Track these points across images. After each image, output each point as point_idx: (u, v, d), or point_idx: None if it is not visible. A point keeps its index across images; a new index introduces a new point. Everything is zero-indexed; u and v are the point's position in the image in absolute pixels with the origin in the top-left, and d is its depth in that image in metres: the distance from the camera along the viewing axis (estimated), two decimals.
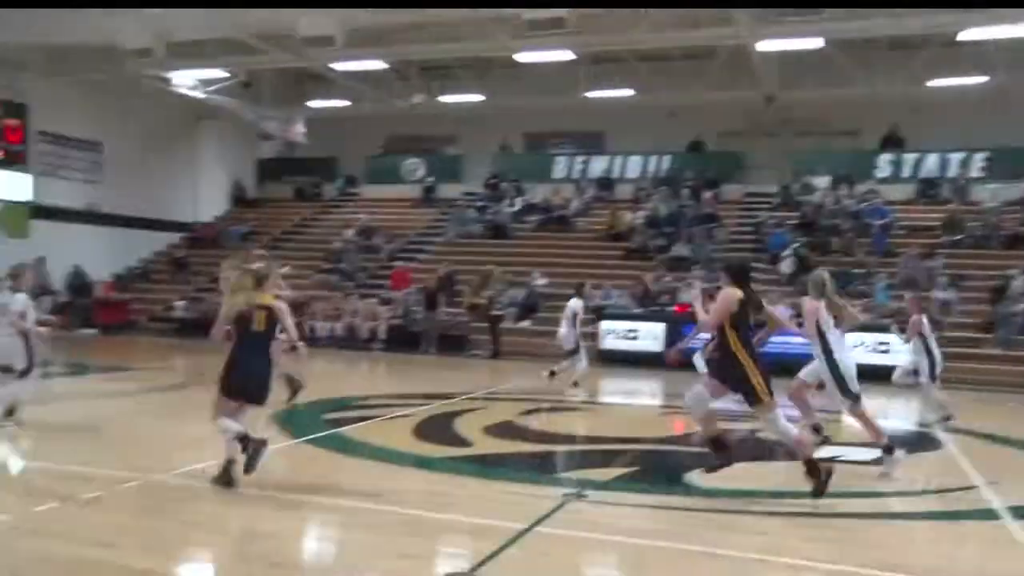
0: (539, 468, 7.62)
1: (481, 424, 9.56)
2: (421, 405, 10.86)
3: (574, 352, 12.99)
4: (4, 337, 8.53)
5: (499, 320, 18.64)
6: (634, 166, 25.12)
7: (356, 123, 26.75)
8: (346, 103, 25.06)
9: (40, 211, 21.95)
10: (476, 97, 24.15)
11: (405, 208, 25.93)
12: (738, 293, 6.41)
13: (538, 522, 5.78)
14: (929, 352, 10.50)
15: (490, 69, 24.00)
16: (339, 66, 21.49)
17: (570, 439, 9.47)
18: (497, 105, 24.37)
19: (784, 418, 6.53)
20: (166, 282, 23.83)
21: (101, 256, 23.17)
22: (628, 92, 22.65)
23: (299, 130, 24.91)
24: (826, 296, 7.50)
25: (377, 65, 21.62)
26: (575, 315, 12.93)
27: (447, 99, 24.52)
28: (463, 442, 8.61)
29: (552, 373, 12.98)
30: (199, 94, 22.54)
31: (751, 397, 6.36)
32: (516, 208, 24.22)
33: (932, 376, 10.56)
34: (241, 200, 28.28)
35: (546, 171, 25.68)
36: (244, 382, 6.49)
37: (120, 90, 22.72)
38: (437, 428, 9.37)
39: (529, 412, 10.76)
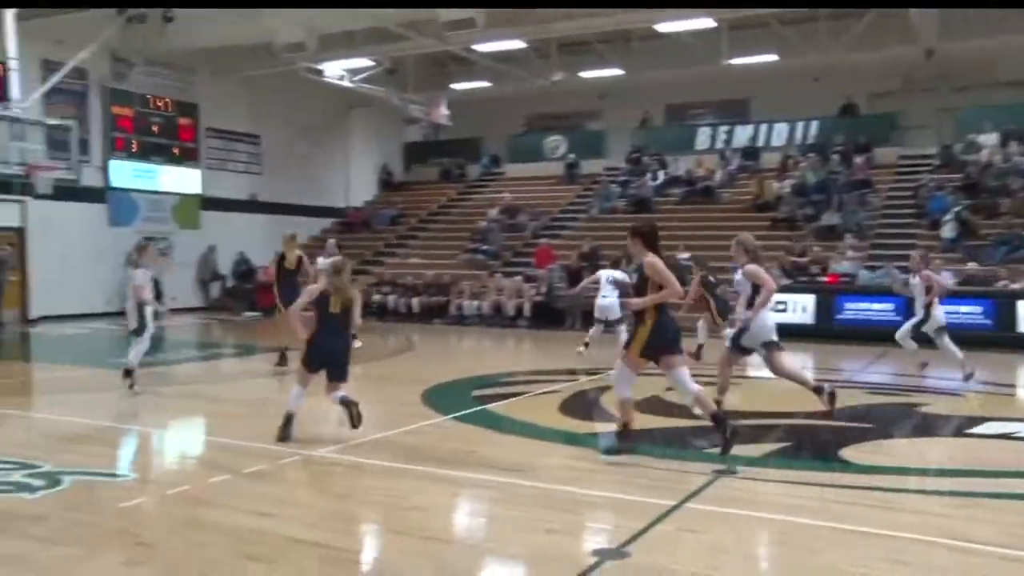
0: (687, 444, 7.46)
1: None
2: (567, 381, 10.85)
3: (620, 321, 12.73)
4: (129, 302, 10.11)
5: None
6: (780, 133, 24.10)
7: (498, 103, 26.96)
8: (487, 84, 25.28)
9: (209, 202, 23.42)
10: (616, 71, 23.79)
11: (548, 185, 25.95)
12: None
13: (688, 498, 5.65)
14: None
15: (629, 42, 23.57)
16: (480, 47, 21.67)
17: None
18: (637, 78, 23.93)
19: (627, 384, 6.71)
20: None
21: (263, 243, 24.40)
22: (772, 57, 21.69)
23: (443, 113, 25.30)
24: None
25: (517, 45, 21.68)
26: (617, 283, 12.83)
27: (587, 75, 24.27)
28: (609, 417, 8.54)
29: (586, 345, 12.89)
30: (348, 84, 23.31)
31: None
32: (659, 181, 23.76)
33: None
34: (389, 184, 29.14)
35: (689, 142, 25.04)
36: (321, 357, 7.34)
37: (276, 85, 23.82)
38: (583, 404, 9.34)
39: None
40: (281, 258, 12.09)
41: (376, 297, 20.73)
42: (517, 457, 6.86)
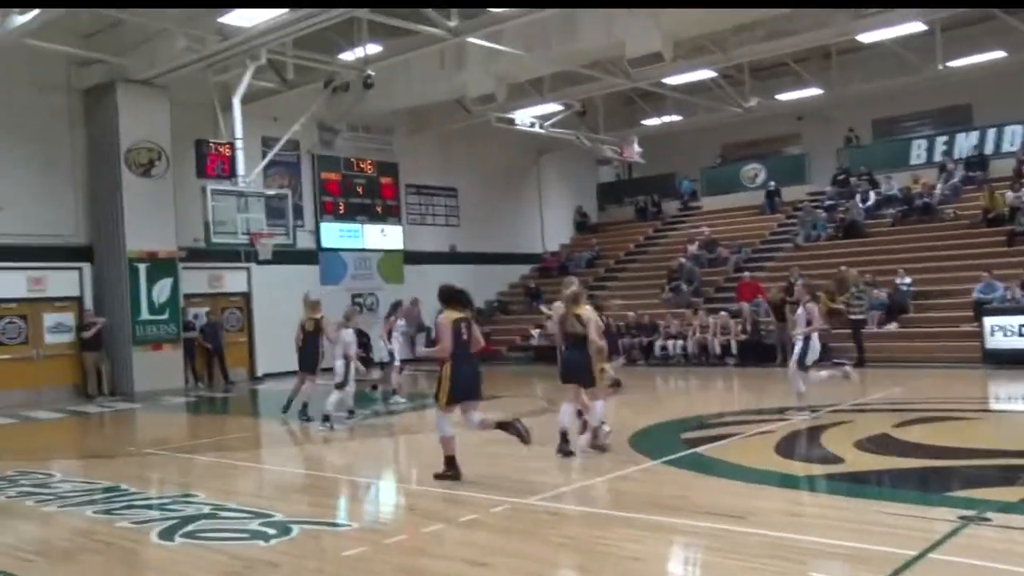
0: (926, 486, 6.87)
1: (852, 438, 8.88)
2: (781, 420, 10.38)
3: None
4: (337, 360, 12.09)
5: (861, 325, 17.31)
6: (1012, 137, 22.10)
7: (690, 136, 26.70)
8: (678, 117, 25.10)
9: (411, 256, 24.65)
10: (815, 91, 22.90)
11: (747, 216, 25.25)
12: (454, 315, 7.80)
13: (931, 548, 5.18)
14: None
15: (828, 58, 22.64)
16: (669, 80, 21.59)
17: (960, 453, 8.42)
18: (839, 95, 22.91)
19: (445, 423, 7.96)
20: (521, 312, 25.37)
21: None
22: (998, 54, 20.02)
23: (635, 151, 25.33)
24: None
25: (707, 74, 21.42)
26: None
27: (784, 97, 23.55)
28: (833, 458, 8.05)
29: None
30: (538, 129, 23.91)
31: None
32: (870, 203, 22.45)
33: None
34: (585, 226, 29.43)
35: (901, 158, 23.55)
36: (565, 370, 8.73)
37: (469, 137, 24.82)
38: (802, 444, 8.88)
39: (907, 423, 9.80)
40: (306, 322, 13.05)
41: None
42: (734, 502, 6.60)
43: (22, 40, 15.72)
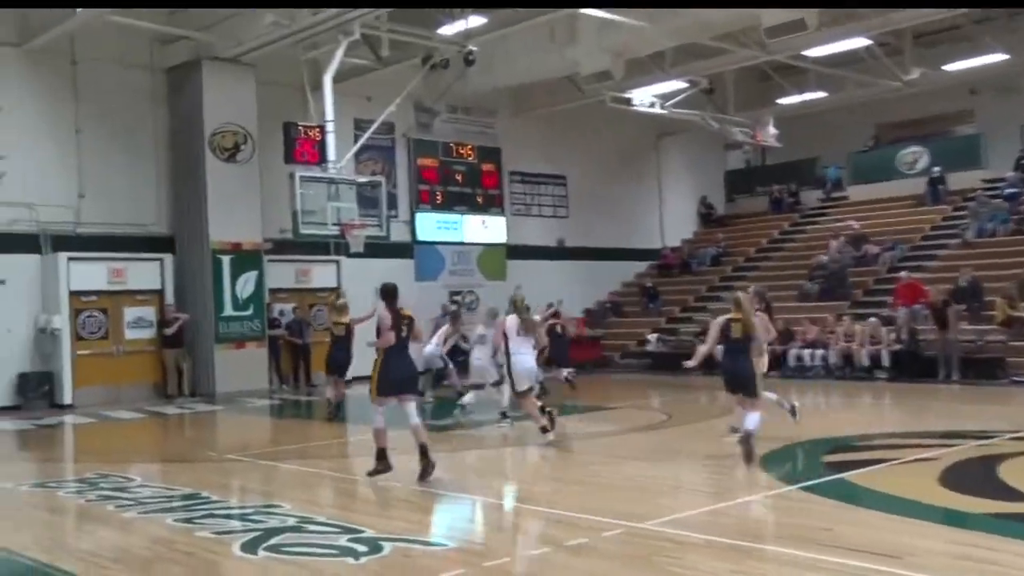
0: None
1: None
2: (945, 446, 9.93)
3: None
4: (482, 361, 12.91)
5: None
6: None
7: (836, 116, 25.90)
8: (822, 94, 24.40)
9: (514, 251, 24.78)
10: (996, 57, 21.72)
11: (904, 208, 24.36)
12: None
13: None
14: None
15: (1013, 18, 21.45)
16: (812, 52, 20.99)
17: None
18: None
19: (379, 416, 8.84)
20: (637, 315, 25.18)
21: (571, 292, 25.30)
22: None
23: (771, 133, 24.67)
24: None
25: (859, 43, 20.65)
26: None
27: (953, 67, 22.47)
28: (1010, 493, 7.65)
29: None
30: (659, 110, 23.60)
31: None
32: None
33: None
34: (710, 218, 29.05)
35: None
36: (726, 376, 9.54)
37: (580, 119, 24.76)
38: (971, 475, 8.49)
39: None
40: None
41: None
42: (889, 539, 6.34)
43: (106, 17, 16.55)
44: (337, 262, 21.03)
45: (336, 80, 17.53)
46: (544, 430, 11.03)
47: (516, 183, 25.33)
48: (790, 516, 7.16)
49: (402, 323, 8.87)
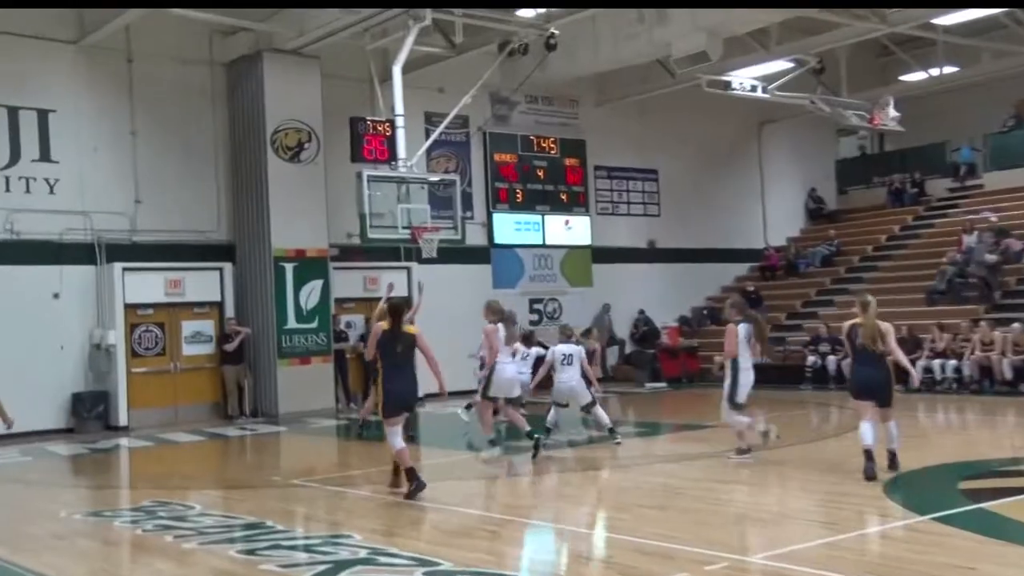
0: None
1: None
2: None
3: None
4: (571, 382, 12.90)
5: None
6: None
7: (970, 93, 25.09)
8: (953, 69, 23.67)
9: (600, 253, 24.67)
10: None
11: None
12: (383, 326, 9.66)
13: None
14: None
15: None
16: (941, 20, 20.37)
17: None
18: None
19: (394, 436, 9.60)
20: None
21: (663, 298, 25.08)
22: None
23: (890, 115, 23.94)
24: None
25: (996, 9, 19.91)
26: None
27: None
28: None
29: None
30: (762, 94, 23.19)
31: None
32: None
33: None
34: (819, 214, 28.58)
35: None
36: (860, 386, 9.77)
37: (672, 107, 24.56)
38: None
39: None
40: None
41: (811, 360, 20.14)
42: None
43: (165, 9, 16.96)
44: (407, 268, 21.15)
45: (406, 70, 17.68)
46: (493, 443, 12.18)
47: (602, 179, 25.23)
48: (923, 552, 6.91)
49: (398, 341, 9.54)
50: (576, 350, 13.08)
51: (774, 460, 11.43)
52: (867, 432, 9.46)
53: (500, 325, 12.30)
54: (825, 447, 12.43)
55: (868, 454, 9.37)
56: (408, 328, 9.82)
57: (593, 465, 11.99)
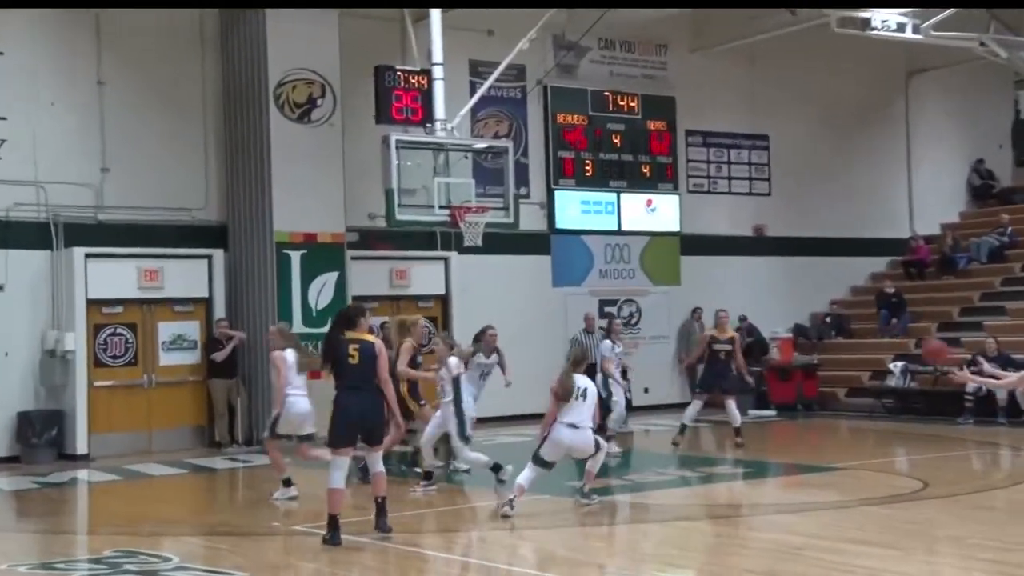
0: None
1: None
2: None
3: None
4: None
5: None
6: None
7: None
8: None
9: (691, 243, 24.53)
10: None
11: None
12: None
13: None
14: None
15: None
16: None
17: None
18: None
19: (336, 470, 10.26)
20: (872, 334, 24.50)
21: (774, 301, 24.76)
22: None
23: None
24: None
25: None
26: None
27: None
28: None
29: None
30: (911, 35, 22.72)
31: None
32: None
33: None
34: (988, 193, 28.37)
35: None
36: None
37: (789, 55, 24.43)
38: None
39: None
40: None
41: (972, 386, 19.74)
42: None
43: None
44: (446, 259, 21.16)
45: (446, 8, 17.64)
46: (287, 483, 13.20)
47: (696, 147, 25.10)
48: None
49: (350, 352, 10.15)
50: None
51: (924, 514, 11.34)
52: None
53: (289, 351, 13.16)
54: (990, 500, 12.18)
55: None
56: (365, 336, 10.40)
57: (684, 514, 11.96)
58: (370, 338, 10.48)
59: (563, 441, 11.42)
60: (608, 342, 16.99)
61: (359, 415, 10.18)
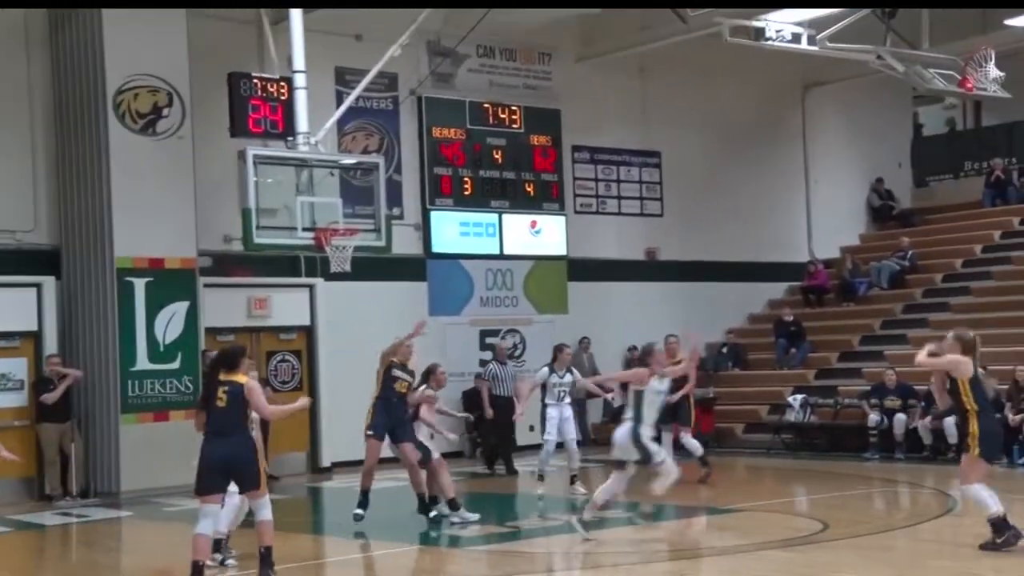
0: None
1: None
2: None
3: None
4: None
5: None
6: None
7: None
8: None
9: (579, 268, 24.46)
10: None
11: None
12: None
13: None
14: None
15: None
16: None
17: None
18: None
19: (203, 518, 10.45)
20: (769, 365, 24.76)
21: (666, 330, 24.61)
22: None
23: (990, 76, 23.80)
24: None
25: None
26: None
27: None
28: None
29: None
30: (807, 46, 22.98)
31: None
32: None
33: None
34: (887, 215, 28.80)
35: None
36: None
37: (681, 65, 24.55)
38: None
39: None
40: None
41: (873, 418, 19.97)
42: None
43: None
44: (310, 287, 20.93)
45: (309, 10, 17.36)
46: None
47: (584, 163, 25.16)
48: None
49: (218, 394, 10.40)
50: None
51: (825, 558, 11.44)
52: (989, 496, 10.65)
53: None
54: (892, 540, 12.47)
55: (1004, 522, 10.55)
56: (236, 376, 10.51)
57: (570, 563, 12.10)
58: (241, 379, 10.52)
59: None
60: (545, 370, 17.01)
61: (222, 459, 10.36)
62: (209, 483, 10.39)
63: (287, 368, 21.06)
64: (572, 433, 16.83)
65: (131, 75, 18.66)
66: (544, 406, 16.92)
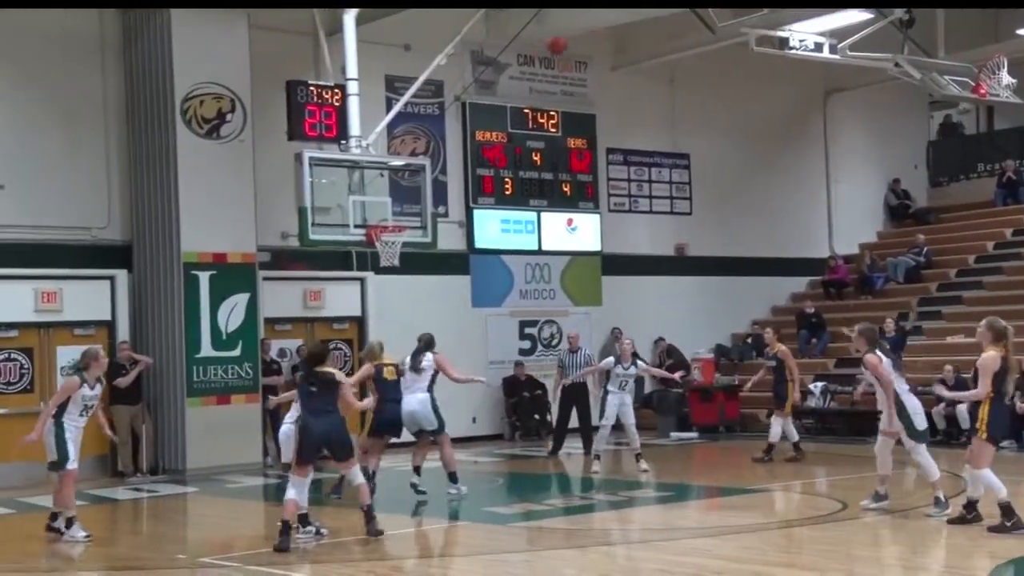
0: None
1: None
2: None
3: None
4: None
5: None
6: None
7: None
8: None
9: (612, 263, 24.57)
10: None
11: None
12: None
13: None
14: None
15: None
16: None
17: None
18: None
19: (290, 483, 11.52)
20: (793, 355, 24.67)
21: (695, 322, 24.93)
22: None
23: (1002, 83, 23.69)
24: None
25: None
26: None
27: None
28: None
29: None
30: (829, 55, 22.99)
31: None
32: None
33: None
34: (904, 213, 28.67)
35: None
36: None
37: (709, 73, 24.65)
38: None
39: None
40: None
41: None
42: None
43: None
44: (361, 280, 21.07)
45: (361, 21, 17.57)
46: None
47: (617, 165, 25.18)
48: None
49: (314, 382, 11.73)
50: None
51: (845, 536, 11.44)
52: (997, 481, 10.81)
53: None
54: (908, 519, 12.39)
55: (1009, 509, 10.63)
56: (326, 368, 11.79)
57: (603, 539, 11.96)
58: (331, 370, 11.90)
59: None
60: (611, 359, 17.45)
61: (323, 435, 11.54)
62: (309, 454, 11.62)
63: (339, 355, 21.25)
64: (631, 418, 17.08)
65: (197, 83, 18.89)
66: (606, 392, 17.24)
